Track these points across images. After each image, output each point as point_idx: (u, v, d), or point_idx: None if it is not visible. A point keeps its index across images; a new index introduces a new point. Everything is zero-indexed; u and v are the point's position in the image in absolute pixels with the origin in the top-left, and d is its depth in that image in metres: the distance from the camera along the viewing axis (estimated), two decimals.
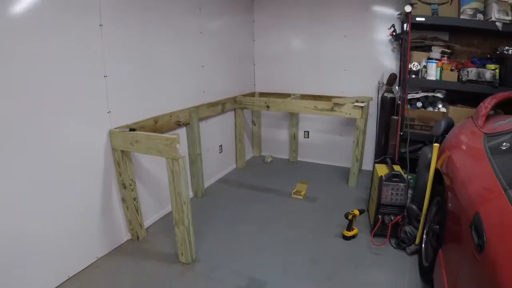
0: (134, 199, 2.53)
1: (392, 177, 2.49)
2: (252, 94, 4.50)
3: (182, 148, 2.35)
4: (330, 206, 3.23)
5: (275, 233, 2.78)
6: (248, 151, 4.61)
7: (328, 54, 4.10)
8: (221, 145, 3.96)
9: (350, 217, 2.59)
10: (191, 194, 3.41)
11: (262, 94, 4.52)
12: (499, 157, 1.59)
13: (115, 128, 2.39)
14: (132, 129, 2.40)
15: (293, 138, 4.47)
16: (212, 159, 3.77)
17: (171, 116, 2.95)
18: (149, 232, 2.77)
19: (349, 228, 2.64)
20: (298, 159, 4.61)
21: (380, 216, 2.55)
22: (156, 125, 2.76)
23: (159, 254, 2.48)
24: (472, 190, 1.57)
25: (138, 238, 2.63)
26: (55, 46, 1.95)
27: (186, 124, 3.16)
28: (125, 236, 2.64)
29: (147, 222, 2.82)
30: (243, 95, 4.17)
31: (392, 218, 2.51)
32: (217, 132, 3.85)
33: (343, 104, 3.46)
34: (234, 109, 4.09)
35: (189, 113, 3.10)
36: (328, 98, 3.74)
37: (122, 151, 2.39)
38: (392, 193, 2.50)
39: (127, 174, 2.44)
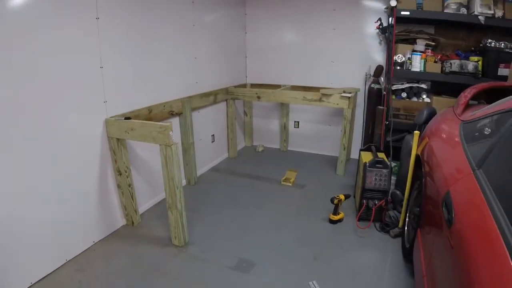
0: (129, 185, 2.61)
1: (376, 163, 2.61)
2: (244, 85, 4.57)
3: (175, 137, 2.43)
4: (318, 193, 3.34)
5: (264, 218, 2.89)
6: (240, 141, 4.70)
7: (317, 46, 4.19)
8: (213, 135, 4.03)
9: (335, 201, 2.70)
10: (184, 182, 3.49)
11: (253, 85, 4.60)
12: (472, 141, 1.71)
13: (111, 117, 2.46)
14: (127, 118, 2.47)
15: (284, 128, 4.57)
16: (205, 148, 3.85)
17: (164, 106, 3.02)
18: (143, 218, 2.85)
19: (335, 212, 2.75)
20: (289, 148, 4.72)
21: (364, 201, 2.67)
22: (150, 114, 2.83)
23: (153, 238, 2.57)
24: (445, 172, 1.69)
25: (133, 223, 2.72)
26: (53, 38, 2.01)
27: (179, 114, 3.23)
28: (121, 221, 2.72)
29: (141, 208, 2.90)
30: (235, 86, 4.24)
31: (376, 202, 2.63)
32: (209, 122, 3.92)
33: (330, 95, 3.56)
34: (226, 100, 4.16)
35: (182, 103, 3.17)
36: (317, 89, 3.83)
37: (118, 139, 2.45)
38: (376, 179, 2.62)
39: (123, 161, 2.51)
